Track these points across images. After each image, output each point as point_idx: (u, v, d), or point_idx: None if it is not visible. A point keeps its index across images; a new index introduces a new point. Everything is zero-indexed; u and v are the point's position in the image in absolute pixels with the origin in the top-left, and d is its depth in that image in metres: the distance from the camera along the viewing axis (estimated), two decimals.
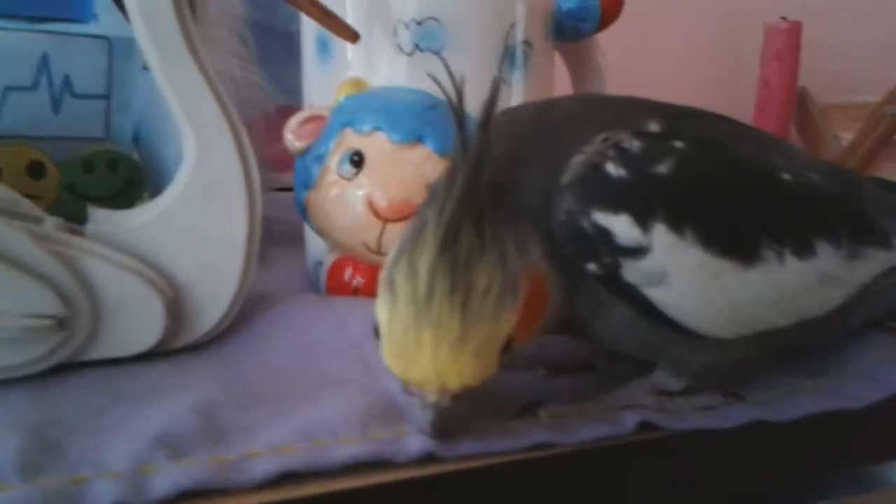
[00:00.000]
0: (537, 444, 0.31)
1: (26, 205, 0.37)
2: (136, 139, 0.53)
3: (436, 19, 0.44)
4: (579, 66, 0.58)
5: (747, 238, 0.31)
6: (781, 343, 0.35)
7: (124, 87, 0.49)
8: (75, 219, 0.38)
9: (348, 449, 0.29)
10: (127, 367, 0.36)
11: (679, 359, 0.34)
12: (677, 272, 0.30)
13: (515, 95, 0.47)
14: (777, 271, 0.32)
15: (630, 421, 0.32)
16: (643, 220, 0.30)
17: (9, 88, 0.46)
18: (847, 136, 0.90)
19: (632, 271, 0.30)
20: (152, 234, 0.37)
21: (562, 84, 0.56)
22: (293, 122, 0.46)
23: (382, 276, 0.29)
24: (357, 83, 0.45)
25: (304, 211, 0.46)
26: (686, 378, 0.34)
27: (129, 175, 0.51)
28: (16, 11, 0.46)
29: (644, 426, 0.33)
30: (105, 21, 0.48)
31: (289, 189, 0.49)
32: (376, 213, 0.43)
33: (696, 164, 0.31)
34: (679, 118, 0.33)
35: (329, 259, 0.47)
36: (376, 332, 0.29)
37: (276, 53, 0.65)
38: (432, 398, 0.28)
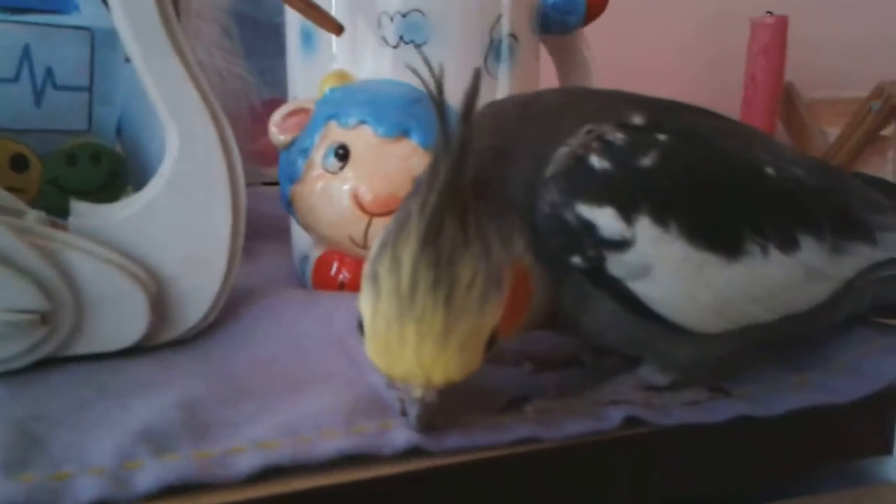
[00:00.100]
0: (523, 439, 0.31)
1: (8, 198, 0.37)
2: (120, 132, 0.52)
3: (420, 11, 0.44)
4: (565, 59, 0.58)
5: (731, 232, 0.31)
6: (767, 338, 0.35)
7: (107, 80, 0.49)
8: (58, 212, 0.38)
9: (333, 443, 0.29)
10: (111, 363, 0.36)
11: (665, 354, 0.34)
12: (661, 265, 0.30)
13: (501, 88, 0.47)
14: (761, 265, 0.32)
15: (616, 416, 0.32)
16: (627, 213, 0.30)
17: None
18: (834, 132, 0.91)
19: (616, 264, 0.30)
20: (135, 228, 0.37)
21: (548, 77, 0.56)
22: (277, 115, 0.45)
23: (366, 269, 0.28)
24: (341, 76, 0.45)
25: (289, 205, 0.46)
26: (672, 373, 0.34)
27: (112, 168, 0.50)
28: None
29: (630, 421, 0.33)
30: (87, 12, 0.47)
31: (275, 183, 0.49)
32: (362, 208, 0.43)
33: (680, 157, 0.31)
34: (663, 111, 0.33)
35: (315, 253, 0.47)
36: (360, 326, 0.29)
37: (262, 46, 0.64)
38: (417, 393, 0.28)
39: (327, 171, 0.43)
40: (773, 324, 0.34)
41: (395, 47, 0.45)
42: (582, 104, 0.34)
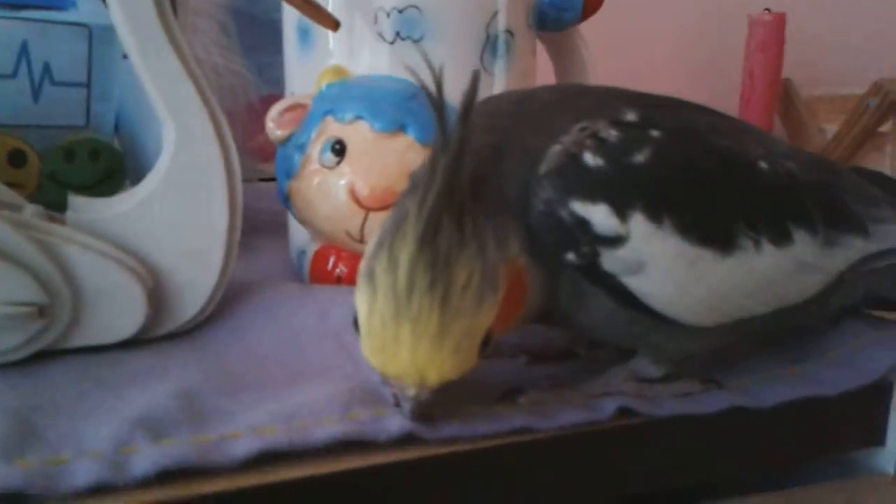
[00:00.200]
0: (517, 429, 0.31)
1: (6, 192, 0.37)
2: (118, 128, 0.52)
3: (416, 7, 0.44)
4: (562, 56, 0.58)
5: (725, 227, 0.31)
6: (760, 330, 0.35)
7: (105, 76, 0.49)
8: (57, 207, 0.38)
9: (329, 429, 0.29)
10: (109, 355, 0.36)
11: (658, 346, 0.34)
12: (655, 261, 0.30)
13: (497, 85, 0.47)
14: (754, 259, 0.32)
15: (609, 407, 0.33)
16: (621, 210, 0.30)
17: None
18: (832, 128, 0.91)
19: (610, 260, 0.30)
20: (132, 222, 0.37)
21: (544, 74, 0.56)
22: (274, 110, 0.46)
23: (362, 267, 0.29)
24: (338, 71, 0.45)
25: (286, 200, 0.46)
26: (665, 365, 0.35)
27: (110, 164, 0.51)
28: None
29: (623, 412, 0.33)
30: (84, 8, 0.48)
31: (272, 179, 0.49)
32: (358, 202, 0.43)
33: (674, 153, 0.31)
34: (656, 107, 0.34)
35: (312, 248, 0.47)
36: (356, 323, 0.29)
37: (260, 43, 0.65)
38: (411, 392, 0.29)
39: (324, 166, 0.44)
40: (767, 317, 0.34)
41: (391, 43, 0.45)
42: (575, 101, 0.34)
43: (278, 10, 0.50)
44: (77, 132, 0.49)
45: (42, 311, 0.34)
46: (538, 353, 0.38)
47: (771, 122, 0.96)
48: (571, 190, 0.30)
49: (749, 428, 0.36)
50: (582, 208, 0.30)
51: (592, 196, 0.30)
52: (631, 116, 0.32)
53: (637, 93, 0.35)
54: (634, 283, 0.31)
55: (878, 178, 0.40)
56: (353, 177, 0.43)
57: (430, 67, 0.27)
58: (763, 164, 0.33)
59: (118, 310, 0.36)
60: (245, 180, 0.51)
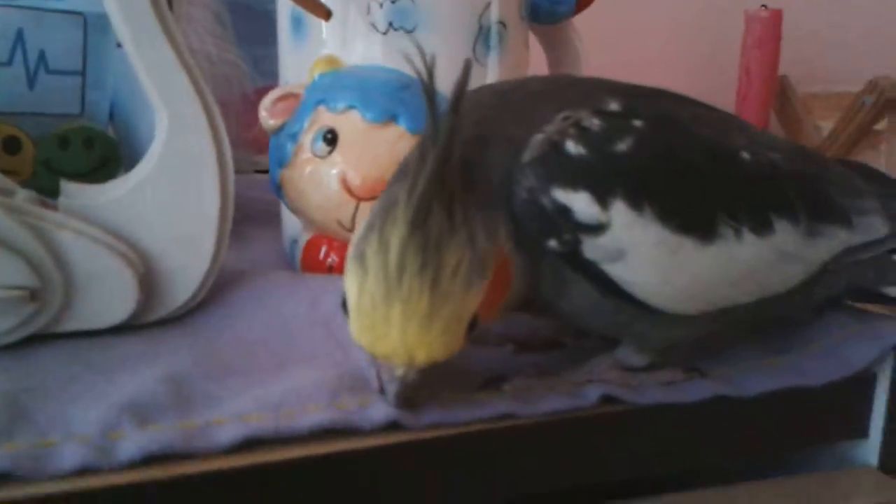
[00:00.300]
0: (500, 415, 0.31)
1: None
2: (112, 116, 0.53)
3: None
4: (555, 48, 0.58)
5: (705, 216, 0.32)
6: (744, 319, 0.36)
7: (99, 64, 0.49)
8: (51, 194, 0.38)
9: (314, 416, 0.30)
10: (100, 340, 0.36)
11: (642, 335, 0.34)
12: (636, 249, 0.31)
13: (490, 76, 0.48)
14: (736, 248, 0.32)
15: (592, 394, 0.33)
16: (602, 198, 0.30)
17: None
18: (828, 126, 0.91)
19: (592, 248, 0.30)
20: (124, 209, 0.37)
21: (538, 66, 0.56)
22: (267, 99, 0.46)
23: (351, 251, 0.29)
24: (331, 61, 0.45)
25: (278, 189, 0.47)
26: (649, 354, 0.35)
27: (105, 152, 0.51)
28: None
29: (606, 400, 0.33)
30: None
31: (267, 171, 0.50)
32: (350, 192, 0.43)
33: (655, 142, 0.32)
34: (639, 98, 0.34)
35: (304, 237, 0.48)
36: (344, 305, 0.29)
37: (256, 35, 0.65)
38: (399, 372, 0.29)
39: (316, 155, 0.44)
40: (750, 306, 0.34)
41: (384, 34, 0.45)
42: (559, 91, 0.34)
43: (273, 0, 0.50)
44: (72, 120, 0.50)
45: (34, 295, 0.35)
46: (524, 342, 0.38)
47: (767, 119, 0.96)
48: (553, 178, 0.30)
49: (732, 417, 0.36)
50: (563, 196, 0.30)
51: (574, 184, 0.30)
52: (614, 106, 0.33)
53: (621, 83, 0.35)
54: (616, 271, 0.31)
55: (862, 170, 0.40)
56: (345, 166, 0.43)
57: (423, 56, 0.27)
58: (745, 155, 0.34)
59: (109, 295, 0.37)
60: (241, 171, 0.51)
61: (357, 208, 0.44)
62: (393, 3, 0.45)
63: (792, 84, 0.97)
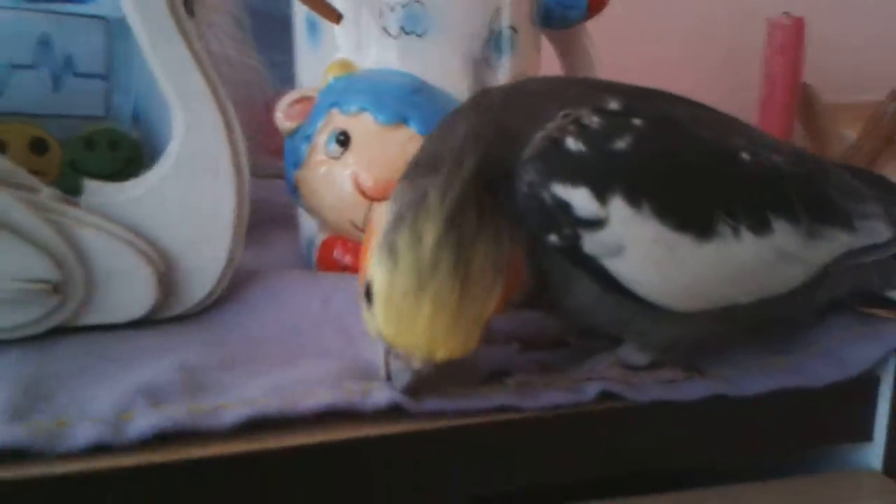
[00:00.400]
0: (501, 406, 0.32)
1: (24, 175, 0.39)
2: (136, 119, 0.54)
3: (420, 2, 0.45)
4: (569, 53, 0.59)
5: (703, 213, 0.32)
6: (746, 320, 0.36)
7: (123, 68, 0.51)
8: (77, 195, 0.40)
9: (317, 398, 0.31)
10: (119, 333, 0.38)
11: (643, 333, 0.35)
12: (635, 244, 0.31)
13: (501, 80, 0.48)
14: (734, 246, 0.33)
15: (592, 390, 0.34)
16: (601, 193, 0.31)
17: (12, 66, 0.48)
18: (852, 134, 0.91)
19: (591, 243, 0.31)
20: (144, 207, 0.39)
21: (549, 70, 0.57)
22: (283, 102, 0.47)
23: (380, 240, 0.30)
24: (344, 65, 0.46)
25: (294, 190, 0.48)
26: (651, 353, 0.36)
27: (129, 153, 0.53)
28: None
29: (605, 396, 0.34)
30: (104, 2, 0.50)
31: None
32: (362, 193, 0.44)
33: (654, 140, 0.32)
34: (640, 98, 0.35)
35: (320, 238, 0.49)
36: (368, 293, 0.30)
37: (276, 40, 0.66)
38: (416, 364, 0.30)
39: (329, 156, 0.45)
40: (751, 306, 0.35)
41: (396, 38, 0.46)
42: (562, 91, 0.35)
43: (290, 6, 0.51)
44: (96, 122, 0.51)
45: (56, 289, 0.36)
46: (530, 341, 0.39)
47: (791, 127, 0.96)
48: (553, 173, 0.31)
49: (735, 417, 0.37)
50: (563, 191, 0.31)
51: (573, 179, 0.31)
52: (614, 105, 0.33)
53: (623, 84, 0.36)
54: (615, 266, 0.32)
55: (866, 176, 0.41)
56: (357, 167, 0.44)
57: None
58: (745, 156, 0.34)
59: (129, 290, 0.38)
60: (263, 176, 0.53)
61: (370, 209, 0.45)
62: (404, 7, 0.46)
63: (817, 93, 0.97)
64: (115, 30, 0.50)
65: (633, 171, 0.32)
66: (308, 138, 0.46)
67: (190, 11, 0.48)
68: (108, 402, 0.30)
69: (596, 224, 0.31)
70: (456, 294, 0.28)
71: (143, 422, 0.29)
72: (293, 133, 0.47)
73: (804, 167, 0.37)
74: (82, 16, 0.49)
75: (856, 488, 0.39)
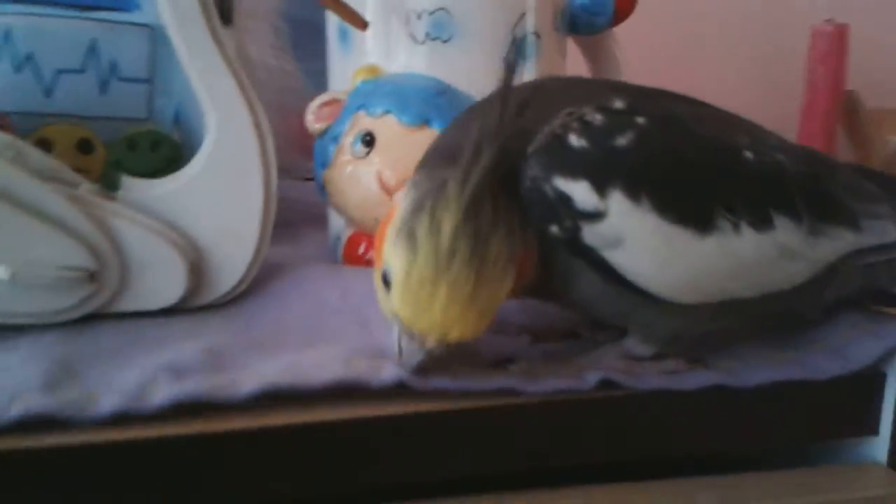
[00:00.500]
0: (503, 388, 0.34)
1: (65, 170, 0.42)
2: (177, 121, 0.57)
3: (446, 10, 0.47)
4: (597, 59, 0.60)
5: (702, 208, 0.33)
6: (749, 314, 0.37)
7: (165, 72, 0.54)
8: (115, 190, 0.42)
9: (327, 373, 0.33)
10: (150, 320, 0.40)
11: (647, 324, 0.36)
12: (634, 236, 0.33)
13: None
14: (734, 241, 0.34)
15: (593, 377, 0.35)
16: (601, 187, 0.32)
17: (61, 71, 0.51)
18: None
19: (591, 234, 0.33)
20: (177, 201, 0.41)
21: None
22: (314, 104, 0.50)
23: (398, 226, 0.32)
24: (372, 69, 0.48)
25: (322, 189, 0.50)
26: (655, 344, 0.37)
27: (170, 154, 0.55)
28: (67, 0, 0.50)
29: (606, 384, 0.35)
30: (148, 10, 0.52)
31: None
32: (386, 191, 0.46)
33: (656, 137, 0.34)
34: (645, 97, 0.36)
35: (346, 234, 0.51)
36: (385, 279, 0.32)
37: (313, 48, 0.68)
38: (430, 344, 0.32)
39: (355, 156, 0.47)
40: (754, 301, 0.36)
41: (422, 44, 0.48)
42: (572, 90, 0.36)
43: (324, 13, 0.53)
44: (139, 124, 0.54)
45: (92, 277, 0.39)
46: (542, 333, 0.40)
47: (833, 133, 0.95)
48: (555, 167, 0.33)
49: (739, 409, 0.37)
50: (564, 184, 0.32)
51: (574, 173, 0.32)
52: (619, 104, 0.35)
53: (630, 84, 0.37)
54: (614, 257, 0.33)
55: (877, 177, 0.41)
56: (382, 166, 0.46)
57: (508, 62, 0.32)
58: (748, 154, 0.35)
59: (161, 279, 0.41)
60: (296, 177, 0.55)
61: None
62: (430, 14, 0.47)
63: (861, 99, 0.96)
64: (158, 37, 0.52)
65: (633, 167, 0.33)
66: (336, 139, 0.48)
67: (227, 20, 0.50)
68: (134, 378, 0.32)
69: (595, 216, 0.32)
70: (471, 282, 0.30)
71: (165, 391, 0.31)
72: (322, 134, 0.49)
73: (809, 166, 0.37)
74: (128, 24, 0.52)
75: (861, 481, 0.40)
